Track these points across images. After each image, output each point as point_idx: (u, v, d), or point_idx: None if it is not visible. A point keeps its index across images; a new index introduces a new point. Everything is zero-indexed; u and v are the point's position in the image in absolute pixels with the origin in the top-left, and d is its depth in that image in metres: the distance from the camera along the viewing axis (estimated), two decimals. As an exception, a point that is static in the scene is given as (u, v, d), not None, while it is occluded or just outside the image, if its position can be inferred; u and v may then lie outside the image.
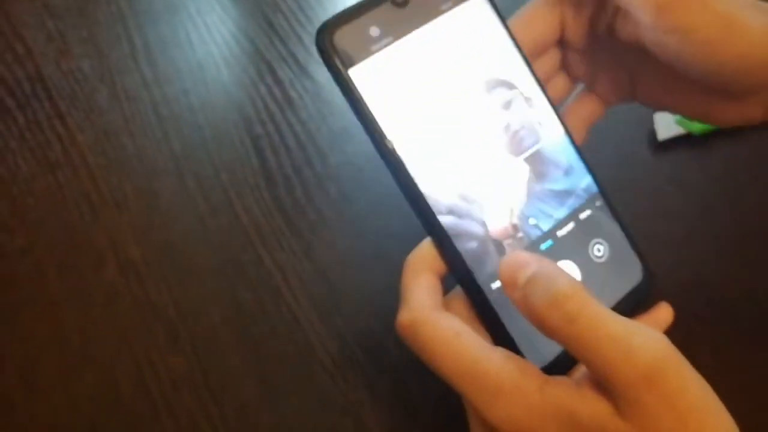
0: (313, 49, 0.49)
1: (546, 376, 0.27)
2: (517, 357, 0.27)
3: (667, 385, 0.24)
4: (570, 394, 0.25)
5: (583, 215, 0.32)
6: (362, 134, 0.41)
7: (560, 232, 0.31)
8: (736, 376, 0.31)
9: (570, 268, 0.31)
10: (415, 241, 0.32)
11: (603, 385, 0.25)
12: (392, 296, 0.39)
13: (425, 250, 0.30)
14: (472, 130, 0.30)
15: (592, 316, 0.25)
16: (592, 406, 0.25)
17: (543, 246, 0.31)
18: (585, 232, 0.32)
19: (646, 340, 0.24)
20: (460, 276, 0.30)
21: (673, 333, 0.26)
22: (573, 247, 0.31)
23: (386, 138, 0.29)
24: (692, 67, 0.29)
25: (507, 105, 0.31)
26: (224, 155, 0.44)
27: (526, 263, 0.27)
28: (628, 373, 0.24)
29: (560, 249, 0.31)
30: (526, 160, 0.31)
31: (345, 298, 0.40)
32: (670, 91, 0.33)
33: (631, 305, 0.32)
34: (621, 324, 0.25)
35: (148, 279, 0.39)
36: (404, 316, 0.28)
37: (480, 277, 0.29)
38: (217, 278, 0.40)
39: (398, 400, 0.37)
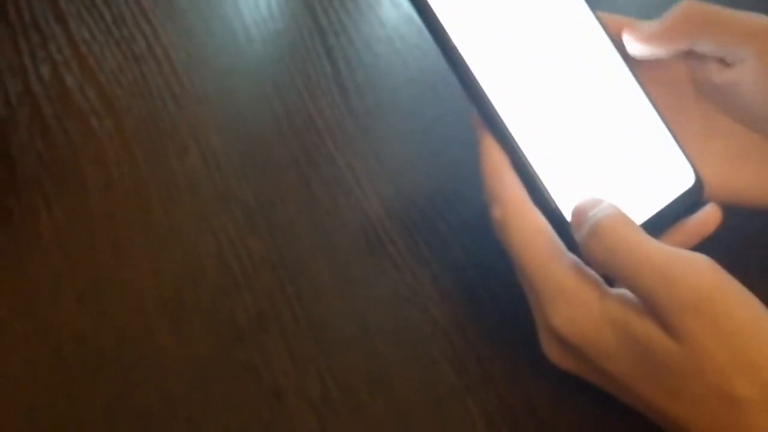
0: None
1: (607, 289, 0.28)
2: (584, 266, 0.28)
3: (710, 311, 0.24)
4: (627, 308, 0.26)
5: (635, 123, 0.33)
6: (435, 51, 0.42)
7: (615, 139, 0.33)
8: None
9: (622, 172, 0.32)
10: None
11: (652, 310, 0.26)
12: (455, 197, 0.41)
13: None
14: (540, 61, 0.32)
15: (631, 247, 0.26)
16: (645, 323, 0.26)
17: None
18: (638, 137, 0.33)
19: (687, 268, 0.25)
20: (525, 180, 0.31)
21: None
22: (625, 150, 0.33)
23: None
24: None
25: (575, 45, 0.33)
26: (298, 61, 0.46)
27: (585, 208, 0.29)
28: (670, 302, 0.25)
29: (615, 153, 0.32)
30: (590, 86, 0.33)
31: (412, 199, 0.41)
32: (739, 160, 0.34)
33: (683, 208, 0.32)
34: (662, 254, 0.26)
35: (228, 168, 0.41)
36: (496, 213, 0.30)
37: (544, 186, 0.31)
38: (293, 173, 0.42)
39: (462, 295, 0.39)
